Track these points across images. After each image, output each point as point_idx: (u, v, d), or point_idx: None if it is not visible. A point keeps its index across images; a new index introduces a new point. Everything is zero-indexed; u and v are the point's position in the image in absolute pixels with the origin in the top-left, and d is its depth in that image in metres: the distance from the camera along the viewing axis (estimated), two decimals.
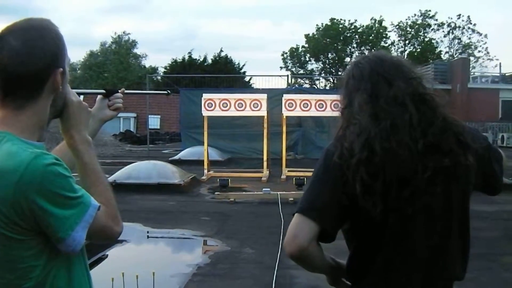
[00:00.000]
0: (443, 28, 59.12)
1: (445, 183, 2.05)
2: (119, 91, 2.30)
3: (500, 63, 63.41)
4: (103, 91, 2.25)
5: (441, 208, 2.07)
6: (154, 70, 60.13)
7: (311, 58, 60.84)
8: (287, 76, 31.95)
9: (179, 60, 50.46)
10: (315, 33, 59.68)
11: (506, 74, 45.79)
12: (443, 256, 2.10)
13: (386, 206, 2.00)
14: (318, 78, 58.51)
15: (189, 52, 51.38)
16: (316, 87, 51.49)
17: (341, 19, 58.98)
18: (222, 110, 16.86)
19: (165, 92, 2.95)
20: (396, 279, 2.08)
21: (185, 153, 21.91)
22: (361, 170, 1.98)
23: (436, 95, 2.16)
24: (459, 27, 58.89)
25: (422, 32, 59.83)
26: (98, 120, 2.17)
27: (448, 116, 2.12)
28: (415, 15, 59.53)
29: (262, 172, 16.97)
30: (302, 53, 61.00)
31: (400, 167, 1.99)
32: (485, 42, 60.42)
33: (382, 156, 1.98)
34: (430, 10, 59.04)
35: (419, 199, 2.02)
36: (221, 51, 51.90)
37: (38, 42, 1.76)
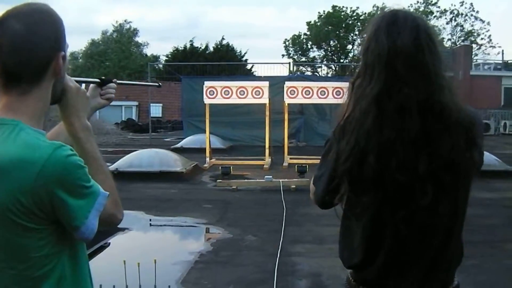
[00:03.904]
0: (445, 15, 58.89)
1: (449, 195, 2.00)
2: (113, 81, 2.29)
3: (502, 51, 63.52)
4: (97, 80, 2.24)
5: (442, 222, 2.04)
6: (155, 58, 59.94)
7: (313, 46, 60.67)
8: (289, 63, 31.98)
9: (180, 48, 50.32)
10: (317, 20, 59.50)
11: (509, 61, 45.75)
12: (441, 252, 2.09)
13: (379, 218, 2.01)
14: (320, 65, 58.42)
15: (191, 40, 51.27)
16: (318, 75, 51.42)
17: (343, 7, 58.84)
18: (224, 98, 16.82)
19: (157, 84, 2.97)
20: (395, 272, 2.09)
21: (187, 141, 21.90)
22: (346, 181, 1.99)
23: (449, 105, 1.96)
24: (462, 14, 58.69)
25: (419, 15, 59.41)
26: (90, 108, 2.10)
27: (460, 114, 1.97)
28: (417, 2, 59.27)
29: (264, 160, 16.94)
30: (304, 41, 60.82)
31: (395, 190, 1.95)
32: (488, 30, 60.47)
33: (375, 173, 1.93)
34: None
35: (417, 218, 1.99)
36: (223, 39, 51.86)
37: (40, 26, 1.75)
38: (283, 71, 33.02)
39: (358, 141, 1.95)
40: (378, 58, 1.99)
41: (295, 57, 60.44)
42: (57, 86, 1.86)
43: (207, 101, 16.89)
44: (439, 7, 58.91)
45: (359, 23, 57.95)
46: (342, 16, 58.46)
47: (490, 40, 58.56)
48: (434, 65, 1.98)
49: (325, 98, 16.85)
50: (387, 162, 1.92)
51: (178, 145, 21.57)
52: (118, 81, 2.32)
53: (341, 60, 57.51)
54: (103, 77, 2.28)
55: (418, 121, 1.92)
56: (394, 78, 1.95)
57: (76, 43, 66.25)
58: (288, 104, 17.50)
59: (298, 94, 16.91)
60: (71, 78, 1.94)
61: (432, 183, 1.94)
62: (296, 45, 60.96)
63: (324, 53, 60.98)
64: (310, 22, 59.94)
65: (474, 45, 53.58)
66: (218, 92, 16.73)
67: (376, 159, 1.92)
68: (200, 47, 50.46)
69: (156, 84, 2.99)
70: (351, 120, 2.00)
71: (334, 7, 58.57)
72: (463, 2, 58.24)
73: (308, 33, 59.87)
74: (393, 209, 1.97)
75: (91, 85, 2.24)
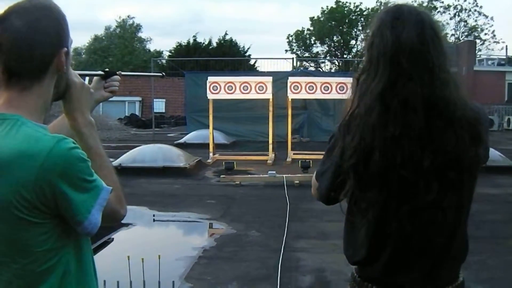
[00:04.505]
0: (449, 10, 58.75)
1: (453, 191, 1.98)
2: (117, 73, 2.29)
3: (506, 46, 63.24)
4: (101, 72, 2.24)
5: (446, 218, 2.02)
6: (159, 54, 59.94)
7: (316, 41, 60.60)
8: (292, 59, 31.90)
9: (184, 44, 50.28)
10: (320, 15, 59.43)
11: None
12: (446, 248, 2.08)
13: (384, 214, 2.00)
14: (324, 61, 58.33)
15: (194, 36, 51.23)
16: (321, 70, 51.38)
17: (346, 2, 58.71)
18: (227, 93, 16.80)
19: (160, 74, 3.01)
20: (400, 269, 2.09)
21: (191, 137, 21.89)
22: (352, 177, 1.98)
23: (454, 100, 1.94)
24: (466, 9, 58.53)
25: (424, 9, 59.20)
26: (93, 100, 2.09)
27: (465, 109, 1.95)
28: None
29: (268, 155, 16.93)
30: (307, 36, 60.77)
31: (399, 186, 1.94)
32: (492, 25, 60.29)
33: (380, 169, 1.93)
34: None
35: (421, 214, 1.98)
36: (226, 34, 51.82)
37: (42, 22, 1.74)
38: (287, 66, 33.07)
39: (363, 137, 1.94)
40: (382, 53, 1.97)
41: (299, 52, 60.39)
42: (60, 82, 1.85)
43: (210, 96, 16.88)
44: (442, 2, 58.79)
45: (362, 19, 57.89)
46: (345, 12, 58.35)
47: (494, 35, 58.54)
48: (439, 60, 1.96)
49: (328, 93, 16.83)
50: (392, 158, 1.92)
51: (182, 140, 21.57)
52: (122, 73, 2.31)
53: (345, 56, 57.44)
54: (107, 69, 2.28)
55: (423, 117, 1.91)
56: (399, 73, 1.94)
57: (79, 38, 66.35)
58: (291, 99, 17.48)
59: (301, 89, 16.89)
60: (75, 73, 1.94)
61: (436, 179, 1.93)
62: (300, 40, 60.91)
63: (327, 48, 60.91)
64: (313, 17, 59.94)
65: (477, 41, 53.47)
66: (221, 88, 16.71)
67: (381, 155, 1.92)
68: (203, 43, 50.43)
69: (160, 74, 3.02)
70: (356, 116, 1.99)
71: (337, 2, 58.46)
72: None
73: (312, 28, 59.83)
74: (398, 205, 1.97)
75: (95, 77, 2.23)
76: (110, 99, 2.27)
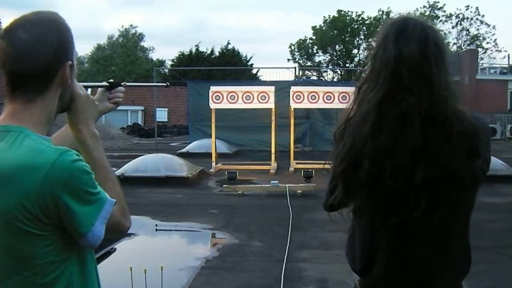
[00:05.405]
0: (451, 19, 58.83)
1: (446, 205, 1.97)
2: (122, 84, 2.29)
3: (508, 55, 63.02)
4: (106, 84, 2.25)
5: (438, 231, 2.02)
6: (161, 63, 60.05)
7: (318, 50, 60.69)
8: (295, 68, 31.79)
9: (186, 53, 50.40)
10: (322, 24, 59.54)
11: None
12: (441, 261, 2.07)
13: (373, 225, 2.01)
14: (326, 70, 58.40)
15: (197, 45, 51.32)
16: (323, 79, 51.39)
17: (348, 11, 58.84)
18: (230, 103, 16.83)
19: (164, 84, 3.02)
20: (396, 280, 2.09)
21: (193, 146, 21.92)
22: (340, 183, 2.01)
23: (452, 115, 1.93)
24: (468, 18, 58.61)
25: (430, 24, 59.36)
26: (97, 112, 2.08)
27: (463, 124, 1.94)
28: (424, 6, 59.28)
29: (270, 165, 16.94)
30: (310, 45, 60.86)
31: (387, 197, 1.95)
32: (494, 34, 60.25)
33: (369, 178, 1.93)
34: (438, 2, 58.74)
35: (411, 227, 1.98)
36: (228, 43, 51.89)
37: (47, 35, 1.75)
38: (289, 75, 32.99)
39: (355, 145, 1.96)
40: (384, 65, 1.99)
41: (301, 61, 60.50)
42: (65, 94, 1.86)
43: (213, 106, 16.91)
44: (444, 11, 58.91)
45: (364, 28, 58.03)
46: (347, 21, 58.46)
47: (496, 44, 58.61)
48: (439, 76, 1.97)
49: (331, 102, 16.85)
50: (382, 168, 1.92)
51: (184, 150, 21.59)
52: (127, 84, 2.32)
53: (347, 65, 57.50)
54: (111, 80, 2.28)
55: (419, 131, 1.91)
56: (399, 86, 1.95)
57: (82, 47, 66.62)
58: (294, 108, 17.51)
59: (304, 98, 16.91)
60: (80, 85, 1.95)
61: (427, 194, 1.92)
62: (302, 49, 60.99)
63: (329, 57, 61.00)
64: (316, 26, 60.02)
65: (480, 49, 53.54)
66: (224, 97, 16.74)
67: (370, 164, 1.92)
68: (206, 52, 50.54)
69: (164, 84, 3.03)
70: (352, 124, 2.02)
71: (339, 11, 58.62)
72: (469, 6, 58.27)
73: (314, 37, 59.91)
74: (385, 217, 1.98)
75: (99, 89, 2.23)
76: None
